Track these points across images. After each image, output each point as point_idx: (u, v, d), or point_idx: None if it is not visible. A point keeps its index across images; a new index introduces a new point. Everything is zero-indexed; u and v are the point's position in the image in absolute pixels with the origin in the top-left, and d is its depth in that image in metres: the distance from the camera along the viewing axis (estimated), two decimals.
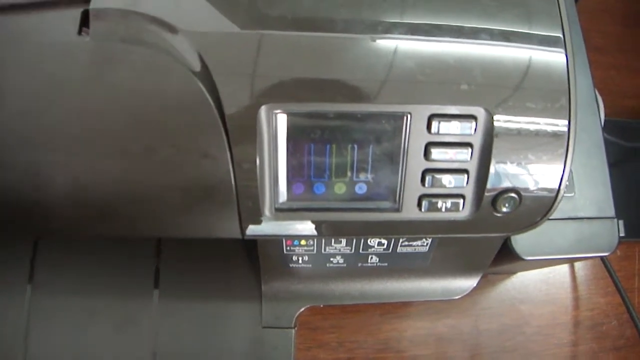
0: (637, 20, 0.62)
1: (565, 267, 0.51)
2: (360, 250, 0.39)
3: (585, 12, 0.45)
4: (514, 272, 0.50)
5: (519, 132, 0.30)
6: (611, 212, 0.41)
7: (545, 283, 0.50)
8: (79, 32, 0.30)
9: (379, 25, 0.30)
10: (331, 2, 0.30)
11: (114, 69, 0.30)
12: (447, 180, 0.30)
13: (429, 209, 0.31)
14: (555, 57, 0.31)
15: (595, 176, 0.42)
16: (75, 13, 0.31)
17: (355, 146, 0.30)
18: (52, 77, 0.30)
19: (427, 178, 0.30)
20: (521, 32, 0.31)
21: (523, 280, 0.50)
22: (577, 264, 0.51)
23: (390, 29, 0.30)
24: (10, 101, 0.30)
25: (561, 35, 0.31)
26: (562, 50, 0.31)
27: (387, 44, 0.29)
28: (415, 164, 0.30)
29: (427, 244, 0.38)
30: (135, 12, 0.30)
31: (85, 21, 0.31)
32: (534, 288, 0.50)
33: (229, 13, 0.30)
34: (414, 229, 0.32)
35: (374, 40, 0.29)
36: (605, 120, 0.45)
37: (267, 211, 0.31)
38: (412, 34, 0.30)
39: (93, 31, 0.30)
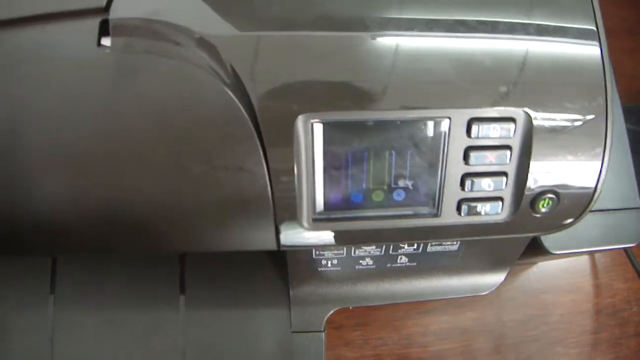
0: None
1: (585, 255, 0.51)
2: (390, 252, 0.38)
3: None
4: (536, 263, 0.50)
5: (557, 132, 0.30)
6: (636, 202, 0.41)
7: (567, 272, 0.51)
8: (99, 44, 0.29)
9: (415, 26, 0.29)
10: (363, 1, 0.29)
11: (140, 82, 0.29)
12: (487, 183, 0.30)
13: (468, 213, 0.31)
14: (590, 53, 0.30)
15: (619, 167, 0.42)
16: (93, 23, 0.30)
17: (394, 153, 0.29)
18: (76, 92, 0.29)
19: (467, 182, 0.30)
20: (555, 27, 0.30)
21: (544, 270, 0.50)
22: None
23: (425, 28, 0.29)
24: (32, 119, 0.29)
25: (595, 29, 0.31)
26: (597, 45, 0.30)
27: (424, 45, 0.29)
28: (455, 168, 0.30)
29: (457, 242, 0.38)
30: (158, 21, 0.29)
31: (104, 32, 0.29)
32: (556, 277, 0.50)
33: (257, 18, 0.29)
34: (453, 233, 0.32)
35: (411, 42, 0.29)
36: None
37: (304, 222, 0.30)
38: (449, 32, 0.29)
39: (114, 43, 0.29)
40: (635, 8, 0.61)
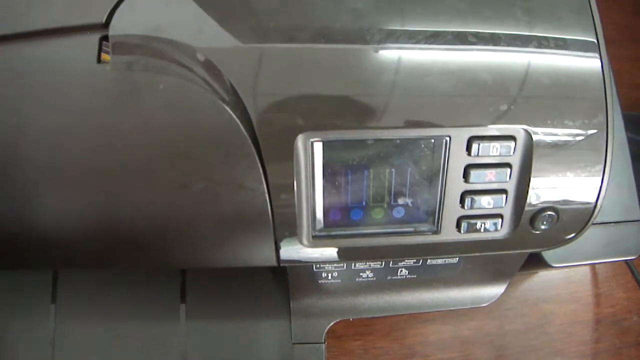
0: None
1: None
2: (390, 265, 0.38)
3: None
4: (536, 272, 0.50)
5: (557, 150, 0.30)
6: (637, 214, 0.41)
7: (567, 281, 0.51)
8: (99, 60, 0.29)
9: (416, 40, 0.29)
10: (362, 17, 0.29)
11: (138, 99, 0.29)
12: (487, 201, 0.30)
13: (468, 230, 0.31)
14: (591, 67, 0.30)
15: (620, 178, 0.41)
16: (92, 39, 0.30)
17: (394, 171, 0.29)
18: (75, 108, 0.29)
19: (467, 200, 0.30)
20: (555, 42, 0.30)
21: (545, 279, 0.50)
22: None
23: (425, 42, 0.29)
24: (32, 134, 0.29)
25: (595, 41, 0.31)
26: (598, 58, 0.30)
27: (424, 60, 0.29)
28: (455, 186, 0.30)
29: (457, 256, 0.38)
30: (157, 38, 0.29)
31: (103, 48, 0.29)
32: (556, 287, 0.50)
33: (258, 34, 0.29)
34: (452, 249, 0.32)
35: (411, 57, 0.29)
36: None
37: (304, 239, 0.30)
38: (448, 46, 0.29)
39: (114, 60, 0.29)
40: (636, 16, 0.61)
